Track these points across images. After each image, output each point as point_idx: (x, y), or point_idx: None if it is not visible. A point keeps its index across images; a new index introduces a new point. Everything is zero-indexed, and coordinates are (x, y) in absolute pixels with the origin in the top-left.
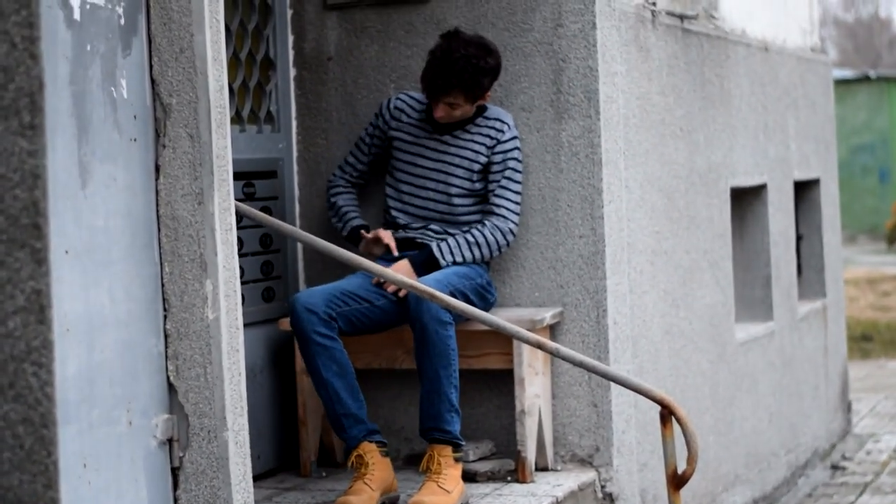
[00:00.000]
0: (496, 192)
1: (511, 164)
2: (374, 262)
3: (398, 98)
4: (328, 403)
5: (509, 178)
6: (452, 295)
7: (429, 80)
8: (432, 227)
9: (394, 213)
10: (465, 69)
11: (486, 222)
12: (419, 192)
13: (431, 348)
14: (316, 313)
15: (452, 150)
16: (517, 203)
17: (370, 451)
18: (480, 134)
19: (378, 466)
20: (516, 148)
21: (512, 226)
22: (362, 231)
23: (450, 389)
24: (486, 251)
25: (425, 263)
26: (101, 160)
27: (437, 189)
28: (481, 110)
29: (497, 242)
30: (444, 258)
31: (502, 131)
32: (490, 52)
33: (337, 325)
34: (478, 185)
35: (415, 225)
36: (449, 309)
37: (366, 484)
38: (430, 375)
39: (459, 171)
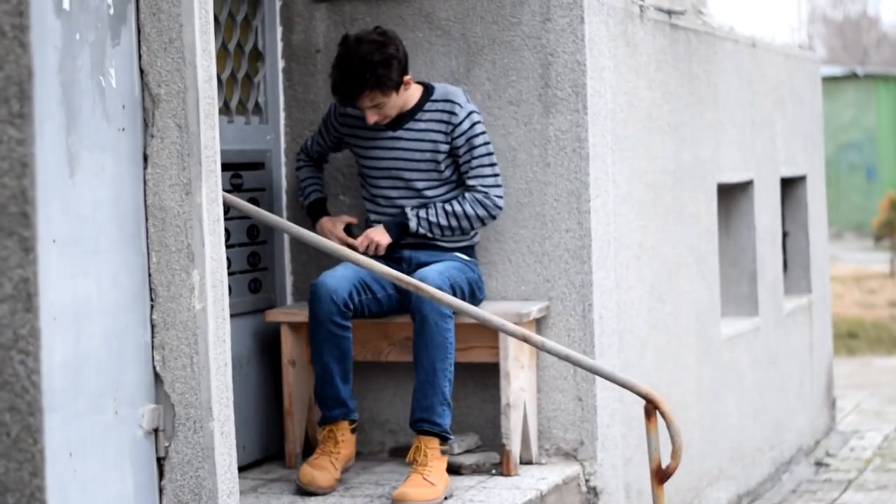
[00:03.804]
0: (470, 174)
1: (476, 141)
2: (360, 254)
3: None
4: (320, 381)
5: (479, 157)
6: (452, 288)
7: (339, 92)
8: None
9: (372, 217)
10: (365, 68)
11: (467, 195)
12: (389, 193)
13: (430, 340)
14: (337, 304)
15: (411, 143)
16: (495, 175)
17: (343, 428)
18: (433, 120)
19: (346, 444)
20: (475, 123)
21: (495, 199)
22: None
23: (444, 382)
24: (465, 223)
25: (398, 226)
26: (90, 149)
27: (407, 186)
28: (428, 92)
29: (478, 215)
30: (414, 223)
31: (454, 113)
32: (384, 42)
33: (351, 314)
34: (447, 173)
35: None
36: (437, 302)
37: (331, 463)
38: (427, 367)
39: (423, 165)
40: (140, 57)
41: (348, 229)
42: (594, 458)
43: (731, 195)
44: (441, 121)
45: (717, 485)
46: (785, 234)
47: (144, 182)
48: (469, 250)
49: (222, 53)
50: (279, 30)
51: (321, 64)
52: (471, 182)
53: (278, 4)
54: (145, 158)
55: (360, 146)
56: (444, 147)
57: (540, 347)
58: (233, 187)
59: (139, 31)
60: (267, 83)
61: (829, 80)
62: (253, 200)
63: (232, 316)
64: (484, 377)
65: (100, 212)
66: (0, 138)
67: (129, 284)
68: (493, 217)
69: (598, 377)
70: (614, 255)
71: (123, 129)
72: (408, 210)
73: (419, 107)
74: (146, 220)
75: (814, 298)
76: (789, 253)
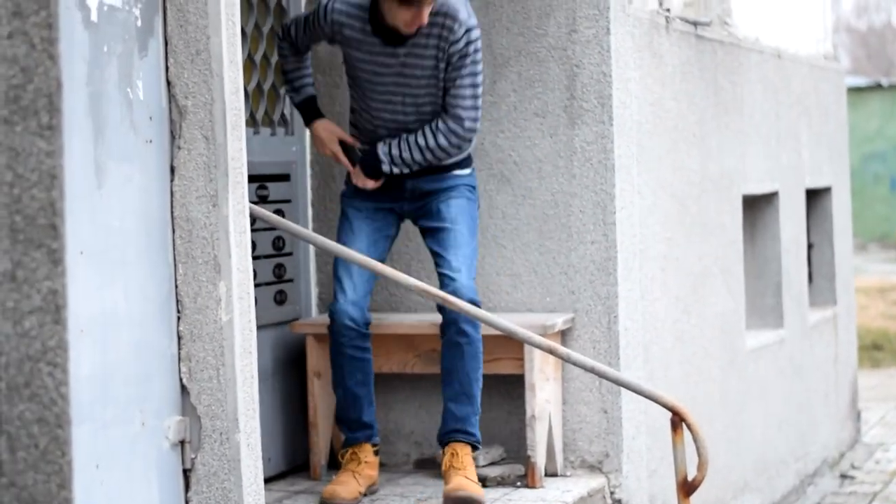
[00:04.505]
0: (450, 92)
1: (466, 60)
2: (386, 266)
3: (336, 11)
4: (342, 405)
5: (464, 76)
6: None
7: None
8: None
9: (356, 126)
10: None
11: (440, 124)
12: (384, 107)
13: (466, 351)
14: (358, 329)
15: (411, 60)
16: (475, 97)
17: (366, 451)
18: (431, 35)
19: (369, 465)
20: (470, 42)
21: (469, 123)
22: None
23: (478, 392)
24: (439, 154)
25: (372, 168)
26: (117, 161)
27: (405, 102)
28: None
29: (451, 144)
30: (387, 166)
31: (451, 28)
32: None
33: (370, 329)
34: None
35: None
36: (468, 316)
37: (354, 478)
38: (462, 378)
39: (424, 81)
40: (167, 69)
41: (347, 151)
42: (619, 470)
43: (757, 206)
44: (438, 37)
45: (742, 497)
46: (810, 246)
47: (171, 193)
48: (467, 161)
49: (248, 65)
50: None
51: (346, 76)
52: (448, 100)
53: None
54: (172, 170)
55: (357, 58)
56: (442, 65)
57: (565, 359)
58: (259, 199)
59: (166, 43)
60: None
61: (853, 91)
62: (279, 212)
63: (258, 327)
64: (509, 389)
65: (127, 223)
66: (29, 150)
67: (156, 296)
68: (463, 146)
69: (623, 389)
70: (640, 267)
71: (151, 141)
72: (379, 150)
73: None
74: (173, 231)
75: (838, 310)
76: (814, 264)
